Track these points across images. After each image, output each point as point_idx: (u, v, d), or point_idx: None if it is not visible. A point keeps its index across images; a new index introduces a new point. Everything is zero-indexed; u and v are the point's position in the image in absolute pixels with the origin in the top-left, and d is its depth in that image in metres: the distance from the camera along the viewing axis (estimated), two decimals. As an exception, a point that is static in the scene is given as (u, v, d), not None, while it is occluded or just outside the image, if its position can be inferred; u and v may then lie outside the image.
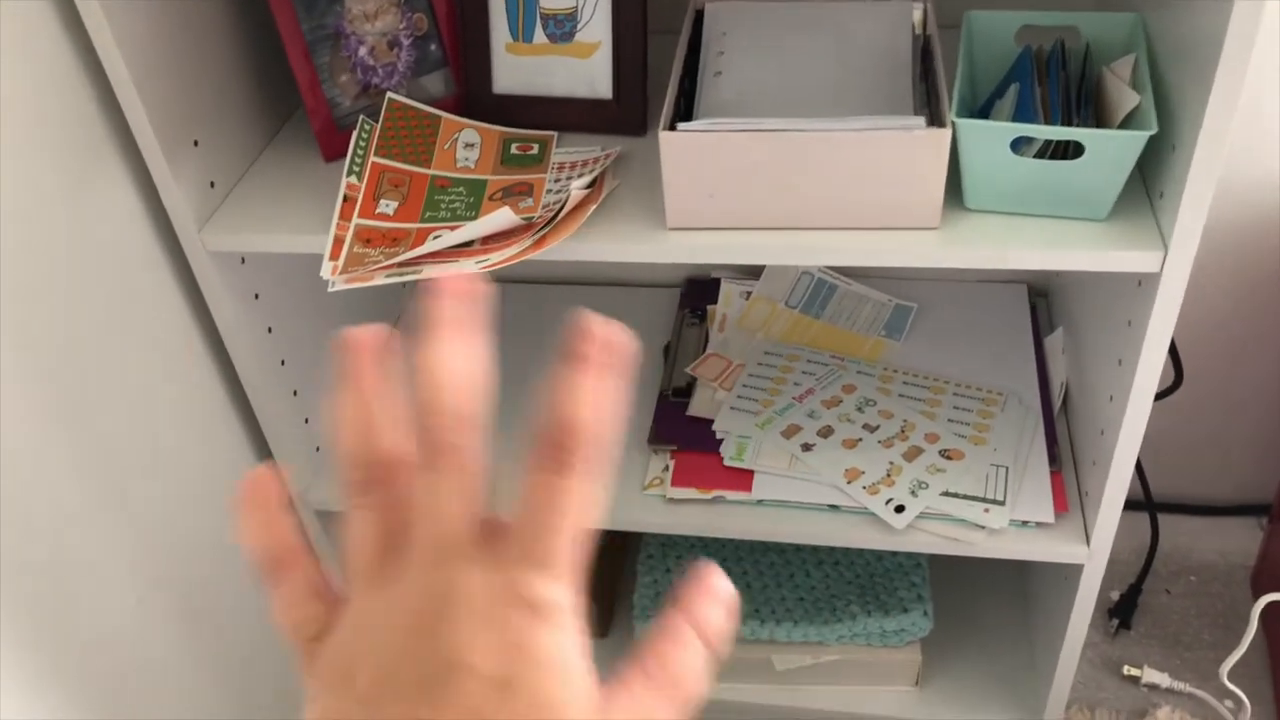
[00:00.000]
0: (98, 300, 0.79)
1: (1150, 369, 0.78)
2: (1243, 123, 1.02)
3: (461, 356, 0.33)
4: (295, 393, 0.98)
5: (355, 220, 0.80)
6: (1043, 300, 1.13)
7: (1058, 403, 1.00)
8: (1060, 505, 0.92)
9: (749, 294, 1.15)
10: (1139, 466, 1.08)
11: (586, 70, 0.89)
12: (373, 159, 0.84)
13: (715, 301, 1.16)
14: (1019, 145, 0.73)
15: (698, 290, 1.18)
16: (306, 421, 1.01)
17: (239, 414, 0.96)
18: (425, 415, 0.31)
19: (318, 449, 1.02)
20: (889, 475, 0.94)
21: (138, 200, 0.83)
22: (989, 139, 0.72)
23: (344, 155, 0.85)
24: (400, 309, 1.21)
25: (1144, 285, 0.76)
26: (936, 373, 1.04)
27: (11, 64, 0.70)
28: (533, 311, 1.11)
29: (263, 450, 0.99)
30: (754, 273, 1.16)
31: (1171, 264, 0.72)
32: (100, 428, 0.79)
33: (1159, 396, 0.98)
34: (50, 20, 0.73)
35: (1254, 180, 1.07)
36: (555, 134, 0.90)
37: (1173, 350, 1.00)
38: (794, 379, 1.05)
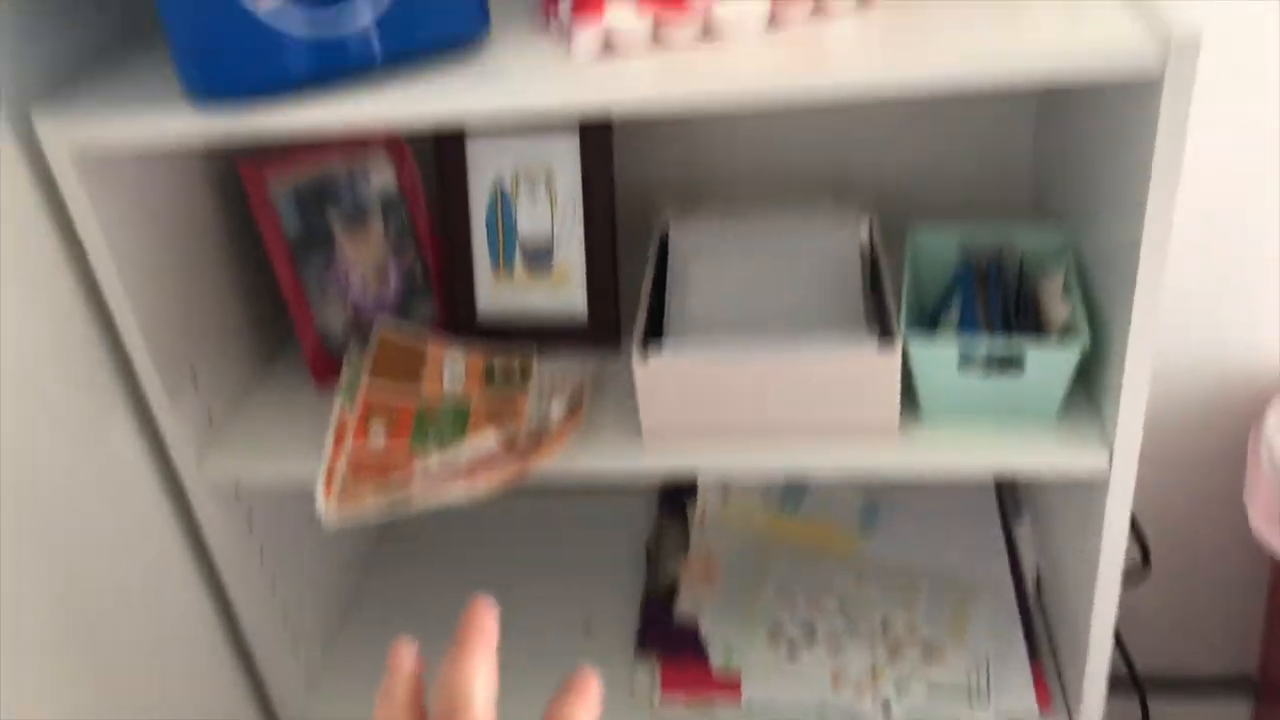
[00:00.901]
0: (96, 523, 0.82)
1: (1111, 559, 0.81)
2: (1198, 305, 1.09)
3: (481, 678, 0.43)
4: (285, 615, 1.00)
5: (347, 450, 0.84)
6: (1009, 488, 1.17)
7: (1032, 590, 1.03)
8: (1042, 694, 0.93)
9: (727, 492, 1.19)
10: (1121, 644, 1.10)
11: (563, 294, 0.95)
12: (363, 386, 0.89)
13: (694, 499, 1.19)
14: (966, 358, 0.78)
15: (676, 492, 1.21)
16: (297, 643, 1.02)
17: (227, 638, 0.98)
18: None
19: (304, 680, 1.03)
20: (874, 673, 0.96)
21: (136, 430, 0.87)
22: (937, 356, 0.78)
23: (336, 381, 0.90)
24: (386, 525, 1.24)
25: (1095, 483, 0.80)
26: (912, 565, 1.07)
27: (20, 300, 0.75)
28: (514, 520, 1.14)
29: (252, 674, 1.00)
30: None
31: (1119, 461, 0.77)
32: (99, 646, 0.81)
33: (1129, 579, 1.01)
34: (57, 258, 0.78)
35: (1203, 358, 1.13)
36: (535, 354, 0.95)
37: (1138, 532, 1.03)
38: (776, 576, 1.08)
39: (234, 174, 0.91)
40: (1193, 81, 0.62)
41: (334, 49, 0.68)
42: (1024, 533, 1.08)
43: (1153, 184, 0.66)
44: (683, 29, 0.72)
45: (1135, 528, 0.99)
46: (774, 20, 0.73)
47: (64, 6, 0.80)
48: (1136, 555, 1.04)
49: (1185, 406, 1.16)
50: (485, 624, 0.47)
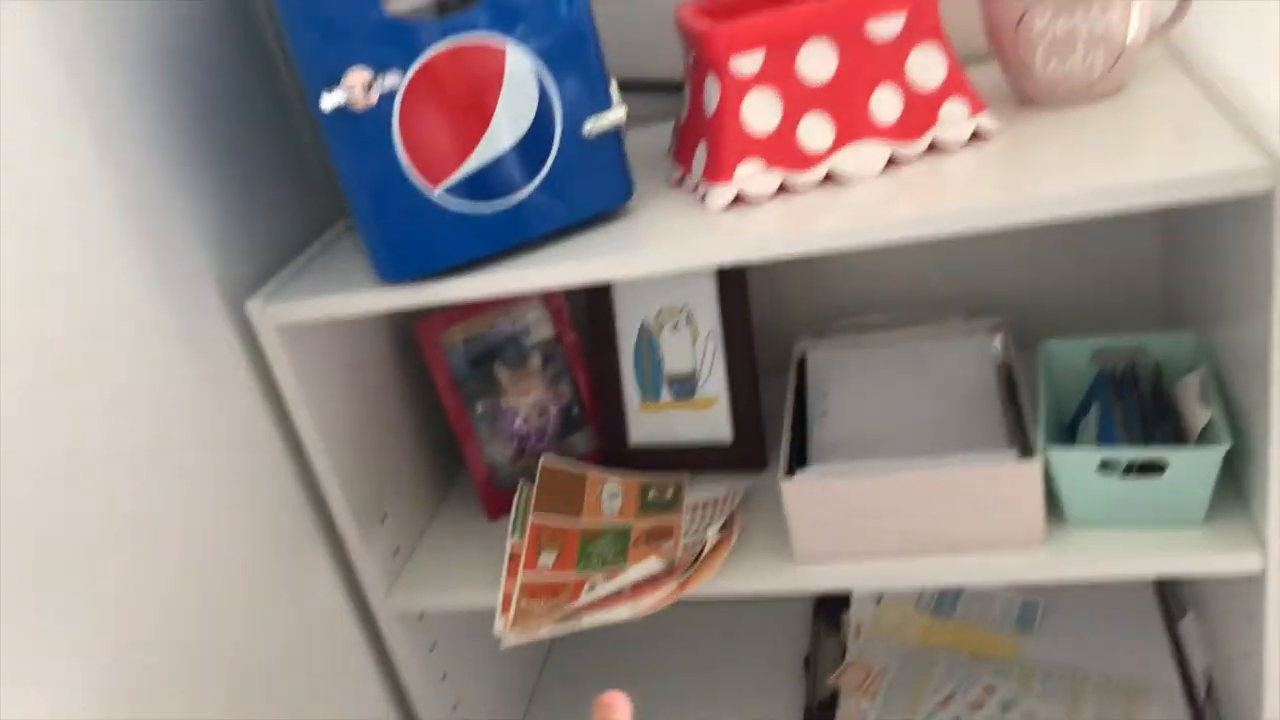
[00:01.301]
0: (299, 653, 0.91)
1: (1276, 666, 0.80)
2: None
3: None
4: (467, 733, 1.07)
5: (521, 576, 0.91)
6: (1171, 585, 1.16)
7: (1202, 692, 1.01)
8: (1222, 802, 0.91)
9: (880, 599, 1.21)
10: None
11: (709, 420, 1.02)
12: (532, 517, 0.96)
13: (848, 609, 1.21)
14: (1108, 465, 0.81)
15: (831, 600, 1.24)
16: (477, 758, 1.08)
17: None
18: None
19: (488, 784, 1.09)
20: (1040, 780, 0.96)
21: (332, 571, 0.96)
22: (1078, 464, 0.80)
23: (506, 513, 0.98)
24: (553, 642, 1.30)
25: (1254, 583, 0.80)
26: (1074, 666, 1.07)
27: (232, 458, 0.86)
28: (674, 633, 1.19)
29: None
30: (882, 578, 1.23)
31: (1274, 562, 0.77)
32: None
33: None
34: (265, 420, 0.89)
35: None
36: (687, 477, 1.01)
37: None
38: (934, 684, 1.09)
39: (412, 333, 1.01)
40: (1303, 194, 0.65)
41: (498, 226, 0.78)
42: (1190, 631, 1.07)
43: (1275, 288, 0.68)
44: (806, 177, 0.79)
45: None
46: (892, 162, 0.79)
47: (266, 204, 0.93)
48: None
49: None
50: (619, 709, 0.48)
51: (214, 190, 0.86)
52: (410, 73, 0.72)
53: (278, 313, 0.84)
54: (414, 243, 0.76)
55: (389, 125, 0.72)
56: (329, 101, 0.70)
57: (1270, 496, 0.75)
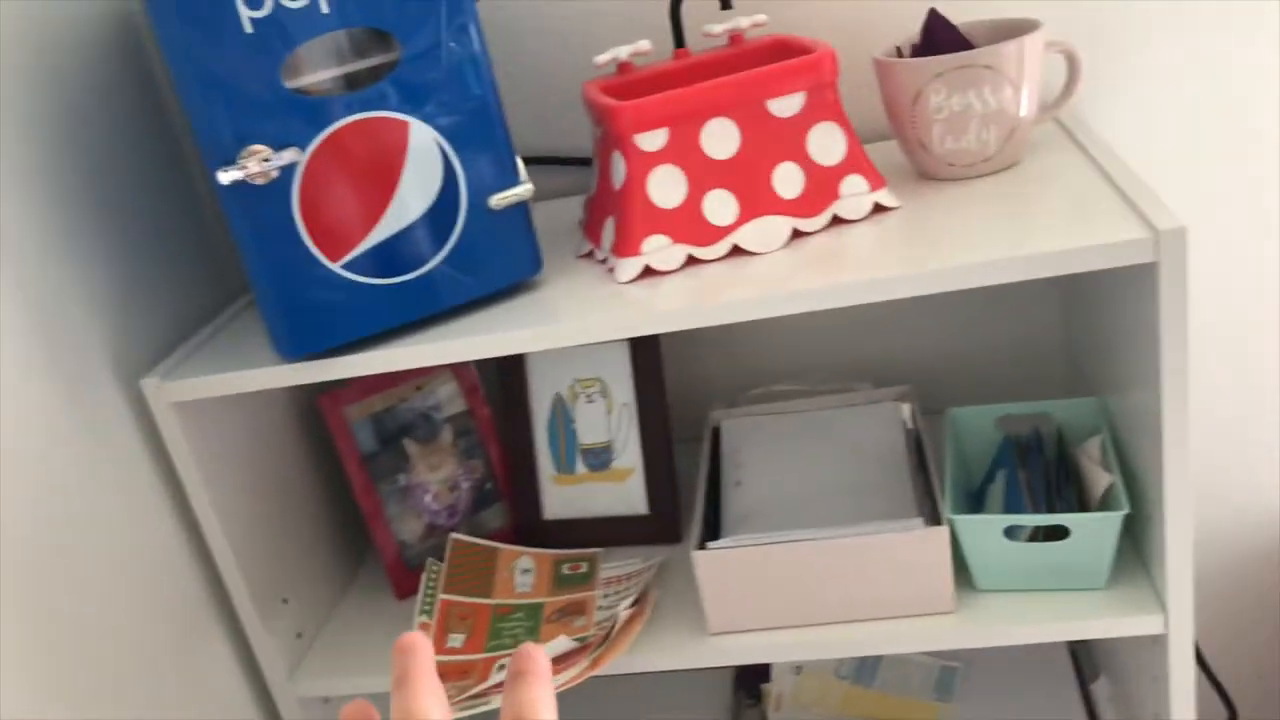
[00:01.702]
0: (199, 758, 0.87)
1: (1182, 716, 0.81)
2: (1251, 449, 1.11)
3: (434, 699, 0.43)
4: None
5: (429, 658, 0.88)
6: (1083, 647, 1.17)
7: (1115, 755, 1.02)
8: None
9: (799, 669, 1.20)
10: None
11: (624, 492, 1.01)
12: (441, 596, 0.94)
13: (768, 679, 1.20)
14: (1013, 530, 0.82)
15: (750, 670, 1.23)
16: None
17: None
18: None
19: None
20: None
21: (231, 655, 0.92)
22: (983, 531, 0.81)
23: (415, 592, 0.95)
24: None
25: (1157, 643, 0.82)
26: (992, 733, 1.07)
27: (124, 537, 0.82)
28: (590, 705, 1.16)
29: None
30: (801, 647, 1.22)
31: (1175, 623, 0.78)
32: None
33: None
34: (160, 502, 0.86)
35: (1271, 502, 1.14)
36: (600, 552, 1.00)
37: (1219, 686, 1.02)
38: (854, 754, 1.08)
39: (315, 408, 0.99)
40: (1184, 264, 0.68)
41: (402, 300, 0.77)
42: (1102, 692, 1.08)
43: (1163, 357, 0.71)
44: (712, 251, 0.79)
45: (1215, 681, 0.99)
46: (795, 235, 0.81)
47: (166, 278, 0.91)
48: (1223, 710, 1.03)
49: (1256, 555, 1.16)
50: (418, 648, 0.44)
51: (108, 262, 0.84)
52: (311, 147, 0.71)
53: (173, 390, 0.81)
54: (314, 317, 0.75)
55: (288, 199, 0.71)
56: (226, 177, 0.69)
57: (1168, 559, 0.77)
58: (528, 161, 1.04)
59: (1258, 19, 0.93)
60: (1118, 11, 0.94)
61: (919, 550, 0.81)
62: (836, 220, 0.82)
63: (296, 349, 0.76)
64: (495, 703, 0.83)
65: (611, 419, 1.00)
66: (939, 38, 0.83)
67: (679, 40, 0.90)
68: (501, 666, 0.85)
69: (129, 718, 0.79)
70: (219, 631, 0.91)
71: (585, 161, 1.04)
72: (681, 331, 1.10)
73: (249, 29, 0.67)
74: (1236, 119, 0.97)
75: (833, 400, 1.01)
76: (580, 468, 1.01)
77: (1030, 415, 0.93)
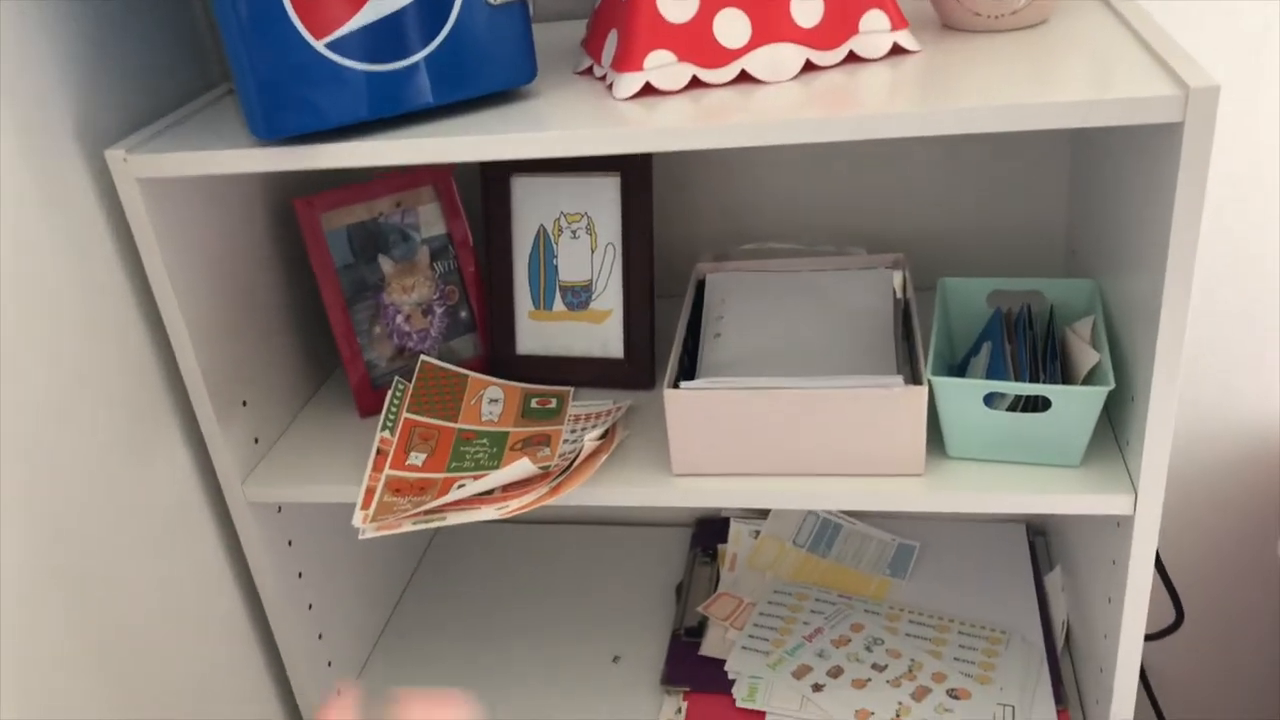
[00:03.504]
0: (141, 534, 0.85)
1: (1136, 607, 0.81)
2: (1238, 353, 1.10)
3: None
4: (320, 635, 1.02)
5: (386, 472, 0.87)
6: (1041, 539, 1.17)
7: (1060, 640, 1.03)
8: (1069, 745, 0.93)
9: (758, 533, 1.20)
10: (1152, 697, 1.09)
11: (600, 333, 0.98)
12: (405, 415, 0.92)
13: (725, 541, 1.20)
14: (992, 400, 0.80)
15: (708, 530, 1.23)
16: (330, 665, 1.04)
17: (263, 650, 1.00)
18: None
19: (337, 691, 1.05)
20: (898, 716, 0.96)
21: (186, 453, 0.90)
22: (963, 395, 0.79)
23: (378, 412, 0.93)
24: (423, 552, 1.27)
25: (1121, 526, 0.81)
26: (941, 611, 1.07)
27: (82, 320, 0.79)
28: (550, 551, 1.16)
29: (286, 694, 1.02)
30: (763, 513, 1.22)
31: (1143, 506, 0.77)
32: (136, 652, 0.84)
33: (1161, 634, 1.01)
34: (121, 282, 0.83)
35: (1238, 417, 1.13)
36: (572, 390, 0.98)
37: (1171, 588, 1.03)
38: (803, 618, 1.08)
39: (291, 212, 0.95)
40: (1212, 127, 0.64)
41: (387, 90, 0.72)
42: (1054, 583, 1.08)
43: (1174, 227, 0.68)
44: (719, 75, 0.75)
45: (1168, 582, 0.99)
46: (807, 68, 0.77)
47: (139, 56, 0.86)
48: (1170, 610, 1.03)
49: (1220, 462, 1.15)
50: None
51: (80, 25, 0.79)
52: (301, -94, 0.66)
53: (139, 164, 0.77)
54: (293, 98, 0.70)
55: (273, -38, 0.66)
56: (207, -74, 0.64)
57: (1147, 441, 0.75)
58: (534, -24, 0.98)
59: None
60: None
61: (895, 409, 0.79)
62: (852, 57, 0.77)
63: (271, 130, 0.72)
64: (451, 519, 0.81)
65: (595, 257, 0.97)
66: None
67: None
68: (461, 485, 0.84)
69: (73, 505, 0.78)
70: (173, 426, 0.89)
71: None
72: (675, 177, 1.06)
73: None
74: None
75: (824, 262, 0.98)
76: (558, 304, 0.99)
77: (1023, 292, 0.90)
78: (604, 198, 0.96)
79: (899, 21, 0.77)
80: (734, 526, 1.21)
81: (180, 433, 0.89)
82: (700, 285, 0.98)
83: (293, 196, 0.94)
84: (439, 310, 1.01)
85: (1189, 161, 0.65)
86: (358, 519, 0.83)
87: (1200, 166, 0.66)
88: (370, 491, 0.85)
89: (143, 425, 0.85)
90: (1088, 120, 0.66)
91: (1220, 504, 1.17)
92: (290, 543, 0.97)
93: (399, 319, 0.99)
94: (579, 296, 0.98)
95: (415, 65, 0.72)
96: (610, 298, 0.98)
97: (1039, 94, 0.67)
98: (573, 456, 0.84)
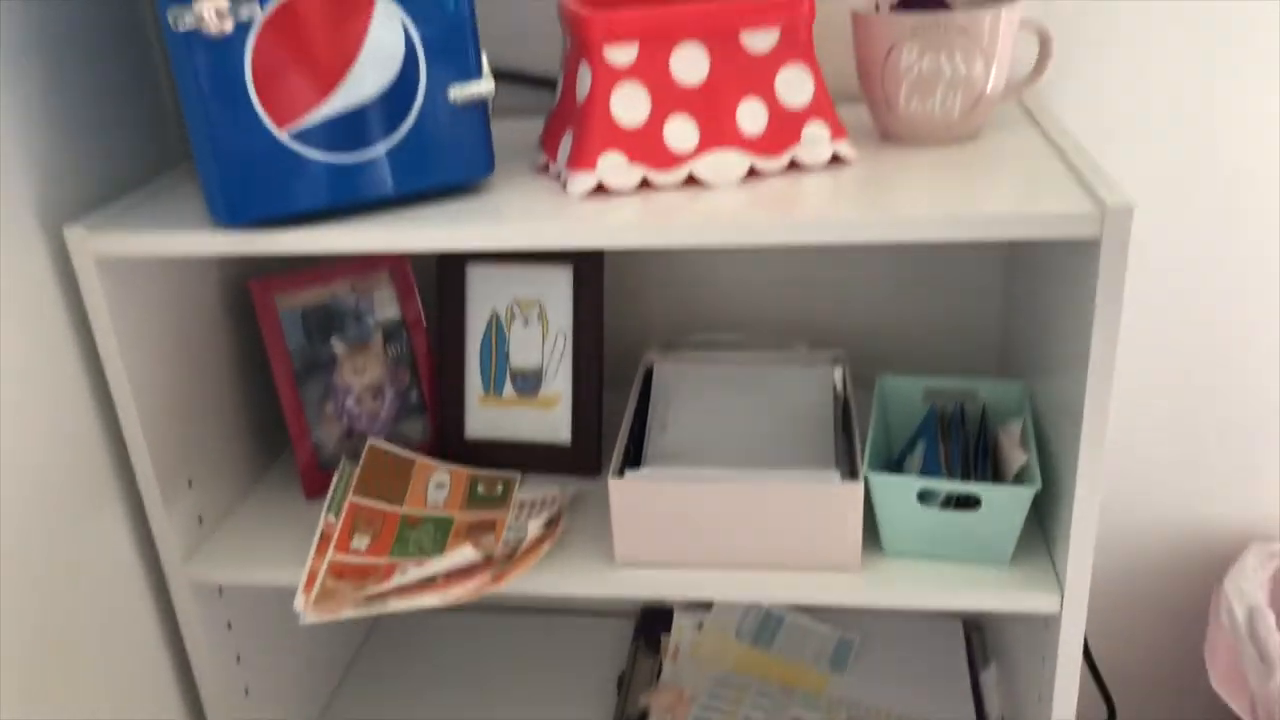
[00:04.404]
0: (77, 611, 0.84)
1: (1064, 705, 0.83)
2: (1171, 454, 1.13)
3: None
4: (255, 721, 1.01)
5: (330, 556, 0.87)
6: (978, 634, 1.19)
7: (996, 738, 1.04)
8: (1003, 844, 0.93)
9: (701, 624, 1.21)
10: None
11: (549, 419, 1.00)
12: (350, 498, 0.93)
13: (669, 631, 1.20)
14: (926, 497, 0.82)
15: (652, 620, 1.23)
16: (263, 751, 1.02)
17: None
18: None
19: (271, 780, 1.03)
20: (834, 811, 0.96)
21: (129, 532, 0.90)
22: (897, 492, 0.81)
23: (324, 494, 0.94)
24: (365, 639, 1.25)
25: (1049, 624, 0.83)
26: (879, 706, 1.08)
27: (32, 394, 0.80)
28: (492, 639, 1.16)
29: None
30: (706, 604, 1.22)
31: (1069, 605, 0.80)
32: (62, 755, 0.82)
33: (1092, 731, 1.02)
34: (72, 357, 0.83)
35: (1170, 519, 1.16)
36: (519, 475, 0.99)
37: (1101, 684, 1.04)
38: (744, 711, 1.08)
39: (246, 293, 0.97)
40: (1127, 243, 0.68)
41: (347, 179, 0.75)
42: (989, 680, 1.10)
43: (1094, 337, 0.71)
44: (668, 177, 0.79)
45: (1098, 678, 1.01)
46: (752, 173, 0.80)
47: (108, 133, 0.88)
48: (1103, 708, 1.05)
49: (1152, 564, 1.18)
50: None
51: (47, 106, 0.81)
52: (271, 5, 0.69)
53: (98, 243, 0.78)
54: (254, 184, 0.73)
55: (241, 56, 0.69)
56: (179, 23, 0.67)
57: (1071, 542, 0.78)
58: (497, 75, 1.02)
59: (1227, 20, 0.95)
60: (1094, 2, 0.95)
61: (832, 504, 0.81)
62: (794, 165, 0.81)
63: (232, 215, 0.74)
64: (393, 605, 0.81)
65: (546, 345, 0.99)
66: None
67: (662, -33, 0.89)
68: (404, 572, 0.84)
69: (10, 578, 0.77)
70: (118, 504, 0.88)
71: (553, 84, 1.02)
72: (626, 269, 1.10)
73: None
74: (1197, 118, 0.99)
75: (768, 356, 1.01)
76: (508, 390, 1.00)
77: (957, 390, 0.94)
78: (557, 287, 0.99)
79: (839, 132, 0.81)
80: (678, 617, 1.21)
81: (123, 509, 0.89)
82: (648, 374, 1.01)
83: (248, 275, 0.96)
84: (390, 393, 1.02)
85: (1106, 275, 0.69)
86: (299, 603, 0.83)
87: (1117, 280, 0.70)
88: (313, 575, 0.85)
89: (85, 500, 0.85)
90: (1011, 233, 0.70)
91: (1151, 599, 1.20)
92: (230, 625, 0.96)
93: (349, 401, 1.00)
94: (529, 382, 1.00)
95: (376, 157, 0.75)
96: (560, 384, 1.00)
97: (968, 207, 0.71)
98: (516, 544, 0.84)
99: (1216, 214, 1.01)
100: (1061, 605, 0.80)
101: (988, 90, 0.82)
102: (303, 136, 0.73)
